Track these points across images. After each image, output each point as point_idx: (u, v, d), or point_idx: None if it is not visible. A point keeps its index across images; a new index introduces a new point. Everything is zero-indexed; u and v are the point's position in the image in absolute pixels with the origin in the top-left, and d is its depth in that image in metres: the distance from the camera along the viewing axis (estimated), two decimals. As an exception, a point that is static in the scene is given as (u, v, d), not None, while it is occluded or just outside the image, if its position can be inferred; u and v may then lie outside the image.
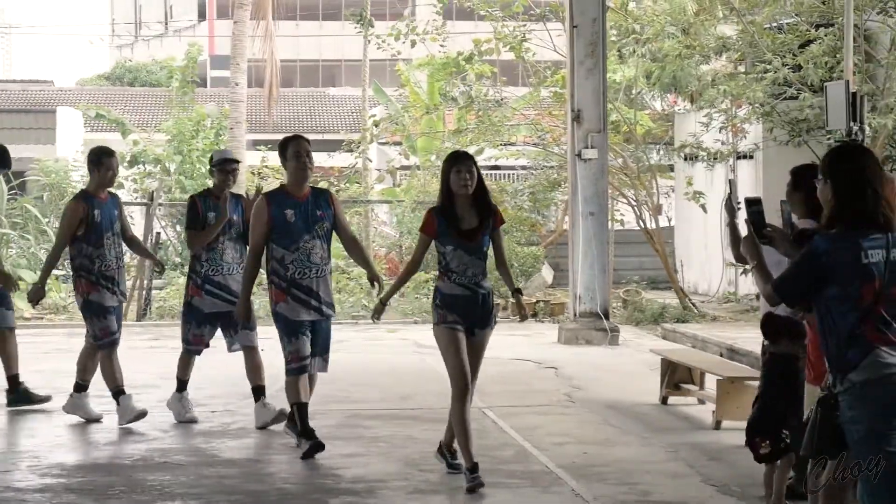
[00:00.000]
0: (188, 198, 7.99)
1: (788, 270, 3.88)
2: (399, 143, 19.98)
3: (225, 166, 7.55)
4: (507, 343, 10.62)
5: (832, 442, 3.81)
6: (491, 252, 6.10)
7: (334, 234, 6.61)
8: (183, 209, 10.69)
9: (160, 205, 16.03)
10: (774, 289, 3.84)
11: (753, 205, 4.08)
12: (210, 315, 7.44)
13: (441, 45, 15.74)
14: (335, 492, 5.95)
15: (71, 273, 7.72)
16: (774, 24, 13.69)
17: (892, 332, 3.67)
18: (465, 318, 5.72)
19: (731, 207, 4.74)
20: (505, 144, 16.27)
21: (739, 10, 13.51)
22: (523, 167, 16.71)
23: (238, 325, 7.20)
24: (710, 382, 7.82)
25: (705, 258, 16.55)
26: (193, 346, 7.50)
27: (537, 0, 15.59)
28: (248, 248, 6.95)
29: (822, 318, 3.77)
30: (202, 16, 46.76)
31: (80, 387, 7.60)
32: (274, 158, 10.66)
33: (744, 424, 6.96)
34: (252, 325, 7.23)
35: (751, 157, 15.47)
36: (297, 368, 6.38)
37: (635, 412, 8.15)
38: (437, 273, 6.03)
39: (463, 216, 5.75)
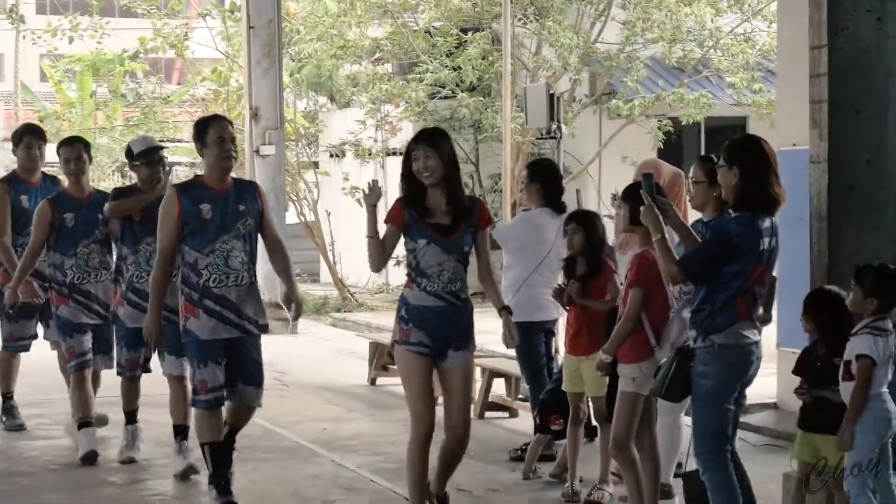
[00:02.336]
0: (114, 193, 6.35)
1: (698, 251, 4.25)
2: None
3: (151, 156, 6.10)
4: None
5: (680, 389, 4.27)
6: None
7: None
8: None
9: None
10: (682, 268, 4.11)
11: (649, 178, 4.37)
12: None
13: (98, 42, 15.05)
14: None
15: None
16: (424, 28, 14.64)
17: (755, 312, 4.16)
18: (435, 339, 4.50)
19: (633, 193, 4.73)
20: (171, 141, 15.85)
21: (393, 13, 14.30)
22: (191, 163, 16.35)
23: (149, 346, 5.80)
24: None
25: (357, 250, 17.20)
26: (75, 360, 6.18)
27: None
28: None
29: (707, 287, 4.11)
30: None
31: None
32: None
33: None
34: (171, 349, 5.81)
35: (401, 153, 16.24)
36: (207, 401, 5.14)
37: (351, 393, 8.46)
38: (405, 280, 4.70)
39: (435, 210, 4.56)
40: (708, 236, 4.35)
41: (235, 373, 5.19)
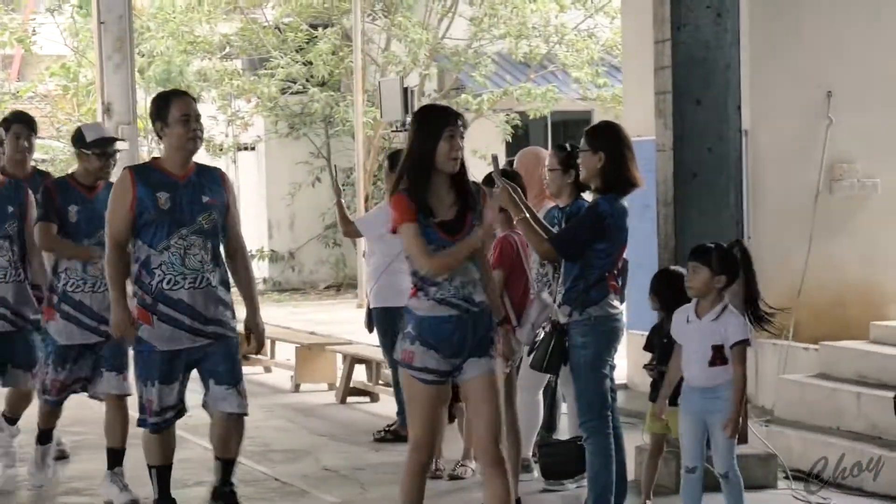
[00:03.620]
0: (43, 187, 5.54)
1: (571, 230, 4.44)
2: None
3: (106, 147, 5.42)
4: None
5: (557, 362, 4.48)
6: None
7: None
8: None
9: None
10: (556, 246, 4.29)
11: (495, 160, 4.45)
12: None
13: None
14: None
15: None
16: (274, 24, 14.80)
17: (618, 284, 4.52)
18: (449, 355, 3.84)
19: (491, 180, 4.64)
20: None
21: (243, 9, 14.40)
22: (43, 160, 16.13)
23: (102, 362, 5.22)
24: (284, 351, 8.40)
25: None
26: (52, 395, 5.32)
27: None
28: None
29: (581, 265, 4.33)
30: None
31: None
32: None
33: (321, 385, 7.87)
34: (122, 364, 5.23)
35: (253, 148, 16.40)
36: (155, 424, 4.52)
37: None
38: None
39: (440, 202, 3.89)
40: (582, 216, 4.55)
41: (206, 374, 4.56)
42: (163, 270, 4.44)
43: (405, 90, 7.71)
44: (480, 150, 13.02)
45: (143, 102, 14.95)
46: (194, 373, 4.67)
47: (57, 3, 14.66)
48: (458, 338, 3.80)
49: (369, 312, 6.30)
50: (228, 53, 15.04)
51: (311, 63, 13.35)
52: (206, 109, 15.82)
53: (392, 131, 12.87)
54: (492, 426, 3.85)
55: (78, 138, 5.50)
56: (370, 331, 6.38)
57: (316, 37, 13.75)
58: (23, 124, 6.09)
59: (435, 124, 3.80)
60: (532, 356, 4.65)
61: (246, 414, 4.61)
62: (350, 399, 7.51)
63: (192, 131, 4.52)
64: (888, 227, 7.12)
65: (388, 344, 6.13)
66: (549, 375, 4.64)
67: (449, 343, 3.79)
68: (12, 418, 5.71)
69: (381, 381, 7.29)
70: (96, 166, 5.31)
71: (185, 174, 4.56)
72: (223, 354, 4.52)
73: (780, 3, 7.36)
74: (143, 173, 4.57)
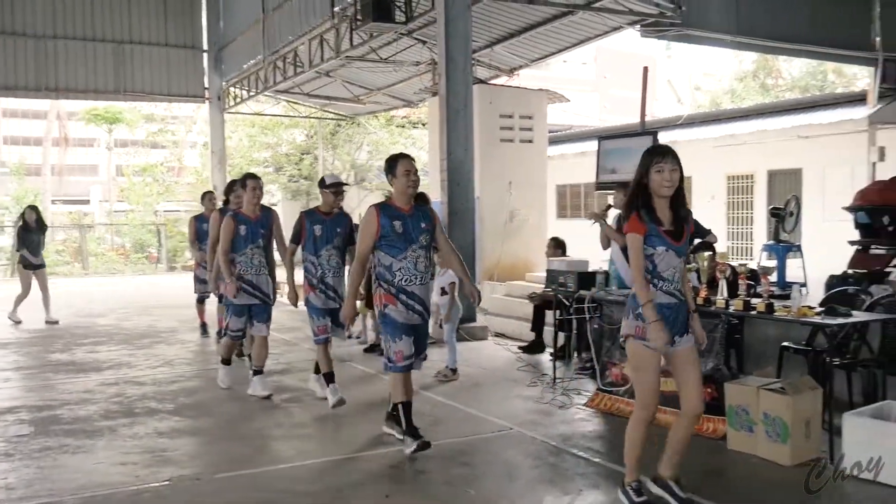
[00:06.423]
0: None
1: None
2: None
3: (338, 188, 7.36)
4: None
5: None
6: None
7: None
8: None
9: None
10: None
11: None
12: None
13: None
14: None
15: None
16: (284, 153, 29.55)
17: None
18: (671, 331, 4.49)
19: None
20: None
21: (272, 146, 29.19)
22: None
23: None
24: None
25: None
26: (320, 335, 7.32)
27: None
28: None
29: None
30: None
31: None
32: None
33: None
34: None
35: (275, 205, 27.39)
36: (401, 366, 5.78)
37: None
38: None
39: (664, 219, 4.50)
40: None
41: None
42: (402, 272, 5.73)
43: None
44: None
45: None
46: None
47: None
48: (673, 319, 4.48)
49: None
50: (265, 164, 26.08)
51: (300, 169, 23.68)
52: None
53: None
54: (697, 385, 4.56)
55: (321, 183, 7.50)
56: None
57: (303, 157, 25.08)
58: (256, 180, 7.90)
59: (647, 157, 4.48)
60: None
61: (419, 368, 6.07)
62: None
63: (411, 181, 5.80)
64: (529, 239, 14.89)
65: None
66: None
67: (668, 322, 4.43)
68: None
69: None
70: (331, 200, 7.30)
71: (409, 208, 5.82)
72: (425, 335, 6.02)
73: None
74: (384, 208, 5.79)
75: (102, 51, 22.10)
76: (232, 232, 7.58)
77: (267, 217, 7.75)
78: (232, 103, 23.52)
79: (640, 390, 4.58)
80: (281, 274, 8.61)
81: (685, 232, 4.53)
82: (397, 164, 5.83)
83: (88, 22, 21.95)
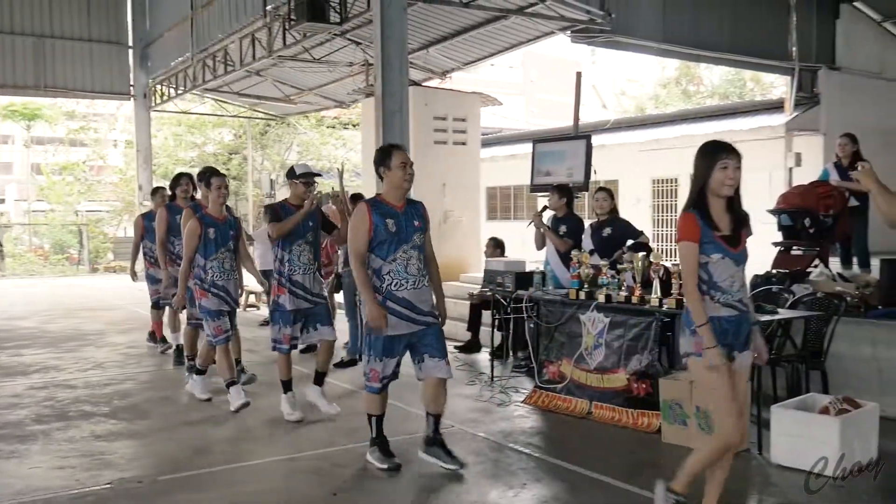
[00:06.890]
0: (265, 206, 7.40)
1: None
2: None
3: (308, 178, 7.00)
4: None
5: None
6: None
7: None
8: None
9: None
10: None
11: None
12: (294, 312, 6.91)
13: None
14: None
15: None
16: (211, 153, 28.56)
17: None
18: (727, 345, 4.05)
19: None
20: None
21: (199, 146, 26.91)
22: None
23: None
24: None
25: None
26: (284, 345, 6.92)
27: None
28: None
29: None
30: None
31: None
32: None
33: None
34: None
35: None
36: (376, 387, 5.45)
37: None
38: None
39: (720, 222, 4.07)
40: None
41: (423, 351, 5.38)
42: (391, 276, 5.22)
43: (270, 181, 14.85)
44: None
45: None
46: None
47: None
48: (734, 332, 4.02)
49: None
50: (192, 164, 25.02)
51: (228, 169, 23.41)
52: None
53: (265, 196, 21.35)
54: (742, 415, 4.03)
55: (289, 173, 7.11)
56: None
57: (232, 157, 24.33)
58: (221, 178, 7.42)
59: (708, 156, 4.03)
60: None
61: (450, 375, 5.45)
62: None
63: (408, 175, 5.31)
64: (462, 240, 15.20)
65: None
66: None
67: (727, 335, 3.99)
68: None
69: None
70: (301, 191, 6.91)
71: (402, 205, 5.32)
72: (434, 336, 5.40)
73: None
74: (375, 205, 5.27)
75: (21, 44, 21.57)
76: (199, 237, 7.20)
77: (234, 218, 7.50)
78: (158, 101, 23.18)
79: (719, 416, 4.04)
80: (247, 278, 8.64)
81: (743, 237, 4.10)
82: (392, 155, 5.32)
83: (6, 14, 21.44)
